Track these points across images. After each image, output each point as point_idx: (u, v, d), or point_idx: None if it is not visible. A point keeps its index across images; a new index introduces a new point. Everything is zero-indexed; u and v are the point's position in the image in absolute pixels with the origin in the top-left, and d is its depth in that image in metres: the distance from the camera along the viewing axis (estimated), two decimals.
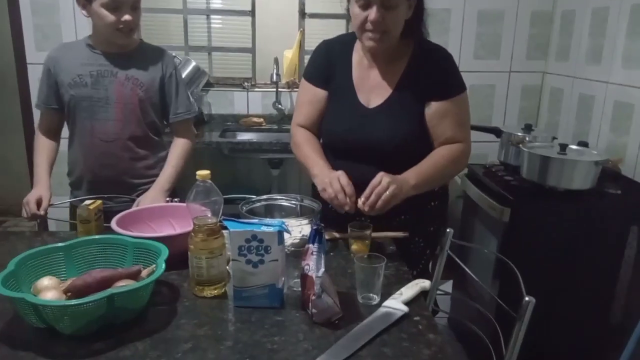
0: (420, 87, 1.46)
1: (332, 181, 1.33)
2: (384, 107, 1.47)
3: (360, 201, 1.30)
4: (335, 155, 1.53)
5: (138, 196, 1.72)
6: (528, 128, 2.40)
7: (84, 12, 1.64)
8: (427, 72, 1.46)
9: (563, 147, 2.04)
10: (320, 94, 1.56)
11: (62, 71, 1.69)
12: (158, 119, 1.80)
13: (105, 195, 1.67)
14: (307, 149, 1.53)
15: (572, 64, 2.77)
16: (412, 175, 1.38)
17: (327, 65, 1.56)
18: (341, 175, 1.34)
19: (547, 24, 2.99)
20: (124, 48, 1.69)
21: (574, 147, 2.11)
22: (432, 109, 1.46)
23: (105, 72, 1.68)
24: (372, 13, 1.35)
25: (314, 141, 1.56)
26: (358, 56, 1.54)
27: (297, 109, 1.63)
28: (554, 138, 2.40)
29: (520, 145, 2.19)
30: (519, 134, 2.36)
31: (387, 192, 1.28)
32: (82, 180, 1.77)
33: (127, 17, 1.60)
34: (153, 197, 1.66)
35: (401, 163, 1.41)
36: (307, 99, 1.58)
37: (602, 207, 2.03)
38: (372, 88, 1.50)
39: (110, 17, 1.59)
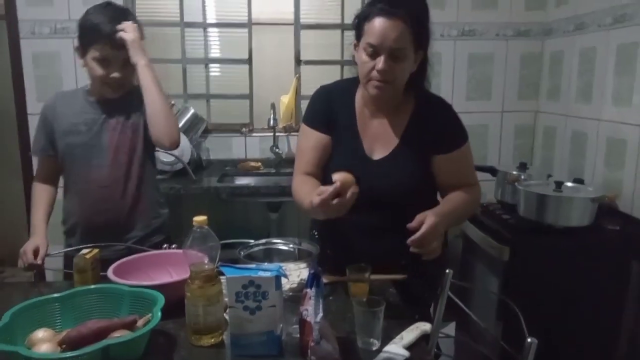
0: (424, 140, 1.47)
1: (313, 201, 1.25)
2: (389, 159, 1.47)
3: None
4: None
5: (134, 243, 1.71)
6: (523, 166, 2.43)
7: (81, 61, 1.68)
8: (431, 125, 1.47)
9: (559, 185, 2.05)
10: (324, 138, 1.53)
11: (58, 119, 1.71)
12: (151, 159, 1.80)
13: (102, 244, 1.65)
14: (307, 188, 1.45)
15: (563, 102, 2.82)
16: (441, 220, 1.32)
17: (329, 110, 1.54)
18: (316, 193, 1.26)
19: (536, 64, 3.07)
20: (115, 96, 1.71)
21: (569, 184, 2.13)
22: (441, 162, 1.47)
23: (98, 119, 1.70)
24: (380, 63, 1.35)
25: (311, 181, 1.49)
26: (359, 105, 1.53)
27: (299, 156, 1.57)
28: (549, 176, 2.41)
29: (516, 183, 2.20)
30: (514, 172, 2.38)
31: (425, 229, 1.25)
32: (76, 227, 1.76)
33: (115, 74, 1.64)
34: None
35: (403, 213, 1.37)
36: (311, 145, 1.54)
37: (602, 243, 2.03)
38: (374, 138, 1.49)
39: (99, 70, 1.63)
